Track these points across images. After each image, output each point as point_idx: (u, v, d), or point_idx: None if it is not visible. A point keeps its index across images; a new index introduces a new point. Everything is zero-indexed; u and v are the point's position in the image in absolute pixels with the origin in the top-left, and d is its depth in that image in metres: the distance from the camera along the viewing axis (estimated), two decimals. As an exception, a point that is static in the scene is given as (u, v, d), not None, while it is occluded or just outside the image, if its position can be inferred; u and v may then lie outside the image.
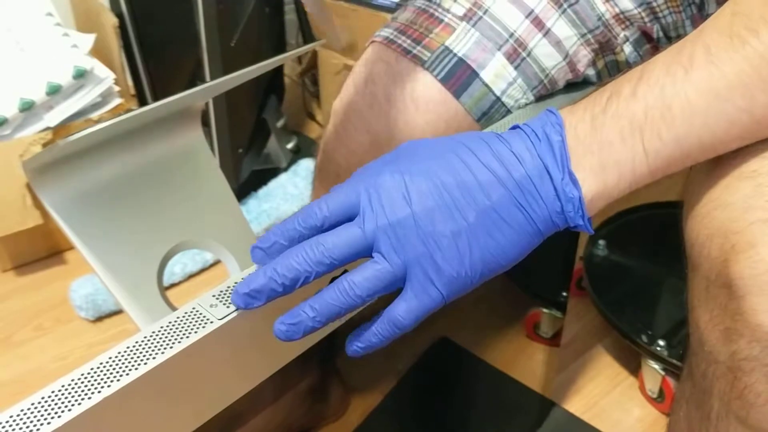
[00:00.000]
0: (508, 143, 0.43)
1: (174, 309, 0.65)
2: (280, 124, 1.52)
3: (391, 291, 0.42)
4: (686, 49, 0.43)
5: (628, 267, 1.12)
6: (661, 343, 0.94)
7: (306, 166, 1.48)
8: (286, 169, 1.49)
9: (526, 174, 0.42)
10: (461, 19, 0.64)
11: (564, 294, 0.90)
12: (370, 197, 0.41)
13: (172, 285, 1.23)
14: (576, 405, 1.01)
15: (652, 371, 0.97)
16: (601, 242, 1.14)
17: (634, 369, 1.04)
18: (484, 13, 0.64)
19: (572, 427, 0.98)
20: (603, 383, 1.04)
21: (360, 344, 0.43)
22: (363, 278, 0.41)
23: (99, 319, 1.18)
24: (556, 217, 0.43)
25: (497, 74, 0.63)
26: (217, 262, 1.26)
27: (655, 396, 0.98)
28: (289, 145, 1.53)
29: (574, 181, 0.42)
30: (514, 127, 0.45)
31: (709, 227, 0.45)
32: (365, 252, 0.41)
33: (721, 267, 0.43)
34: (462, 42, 0.63)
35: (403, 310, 0.41)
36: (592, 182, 0.43)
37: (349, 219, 0.42)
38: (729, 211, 0.43)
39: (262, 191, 1.42)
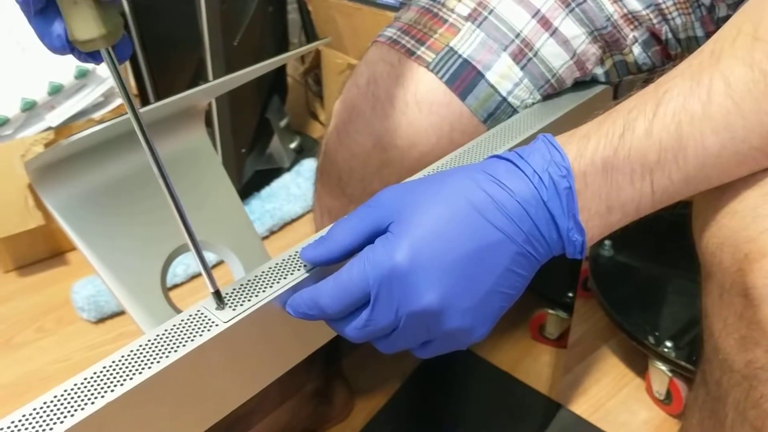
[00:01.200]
0: (510, 191, 0.42)
1: (177, 311, 0.64)
2: (283, 124, 1.51)
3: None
4: (704, 78, 0.41)
5: (634, 267, 1.12)
6: (669, 344, 0.94)
7: (309, 166, 1.47)
8: (289, 170, 1.49)
9: (534, 225, 0.42)
10: (466, 19, 0.63)
11: (570, 295, 0.90)
12: (381, 289, 0.40)
13: (175, 286, 1.23)
14: (582, 407, 1.01)
15: (660, 373, 0.96)
16: (607, 242, 1.13)
17: (641, 370, 1.04)
18: (489, 13, 0.63)
19: (578, 429, 0.98)
20: (609, 385, 1.04)
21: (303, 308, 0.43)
22: (384, 345, 0.44)
23: (101, 320, 1.18)
24: (556, 253, 0.44)
25: (503, 75, 0.62)
26: (220, 263, 1.25)
27: (662, 398, 0.97)
28: (293, 145, 1.53)
29: (580, 229, 0.42)
30: (510, 160, 0.43)
31: (718, 235, 0.45)
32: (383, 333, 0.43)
33: (735, 276, 0.43)
34: (467, 43, 0.63)
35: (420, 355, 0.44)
36: (596, 223, 0.43)
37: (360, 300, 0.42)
38: (738, 219, 0.43)
39: (265, 191, 1.42)
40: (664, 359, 0.94)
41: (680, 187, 0.42)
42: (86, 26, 0.36)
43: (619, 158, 0.42)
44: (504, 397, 0.97)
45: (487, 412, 0.95)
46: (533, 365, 0.99)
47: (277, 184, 1.43)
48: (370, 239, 0.42)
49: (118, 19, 0.38)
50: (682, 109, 0.41)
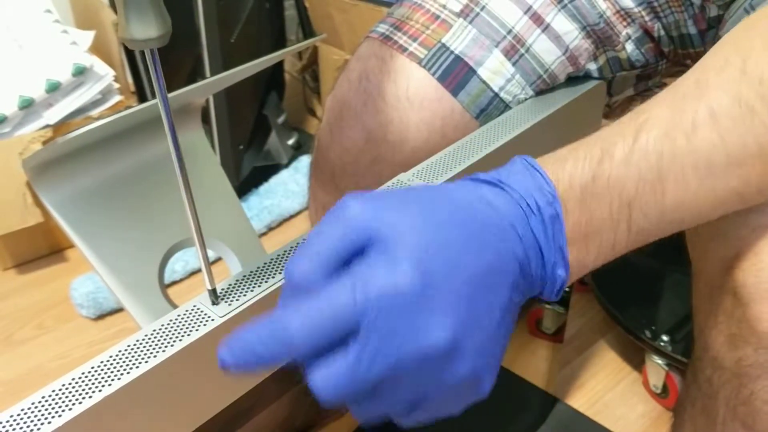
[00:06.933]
0: (501, 213, 0.37)
1: (174, 307, 0.64)
2: (280, 120, 1.51)
3: None
4: (688, 108, 0.38)
5: (631, 262, 1.12)
6: (665, 338, 0.94)
7: (307, 162, 1.47)
8: (287, 166, 1.49)
9: (525, 252, 0.36)
10: (458, 15, 0.64)
11: (567, 289, 0.90)
12: (377, 317, 0.31)
13: (174, 282, 1.23)
14: (579, 401, 1.01)
15: (656, 367, 0.96)
16: (604, 237, 1.13)
17: (638, 364, 1.04)
18: (482, 9, 0.63)
19: (575, 423, 0.98)
20: (606, 379, 1.04)
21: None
22: (364, 408, 0.34)
23: (100, 317, 1.18)
24: (536, 291, 0.39)
25: (495, 71, 0.63)
26: (218, 260, 1.26)
27: (658, 391, 0.98)
28: (290, 142, 1.53)
29: (565, 264, 0.38)
30: (491, 183, 0.39)
31: (709, 232, 0.44)
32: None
33: (724, 273, 0.43)
34: (459, 39, 0.63)
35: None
36: (574, 258, 0.39)
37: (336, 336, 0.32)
38: (731, 215, 0.42)
39: (263, 188, 1.42)
40: (661, 353, 0.95)
41: (654, 227, 0.39)
42: (146, 25, 0.35)
43: (598, 185, 0.38)
44: (501, 391, 0.98)
45: (484, 407, 0.95)
46: (530, 360, 1.00)
47: (275, 181, 1.44)
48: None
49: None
50: (664, 136, 0.38)
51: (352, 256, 0.34)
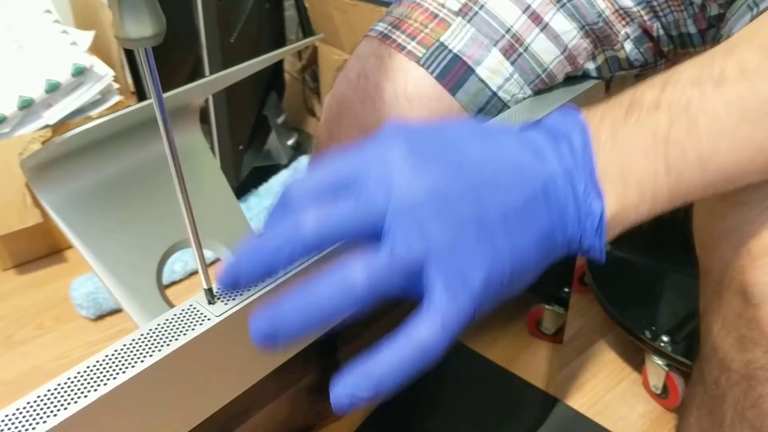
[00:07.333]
0: (522, 135, 0.38)
1: (172, 307, 0.64)
2: (280, 120, 1.52)
3: (399, 295, 0.34)
4: (716, 63, 0.38)
5: (631, 262, 1.12)
6: (665, 338, 0.94)
7: (307, 162, 1.48)
8: (287, 166, 1.49)
9: (550, 173, 0.36)
10: (456, 14, 0.63)
11: (566, 290, 0.90)
12: (374, 169, 0.34)
13: (173, 283, 1.23)
14: (579, 401, 1.01)
15: (656, 367, 0.96)
16: (604, 237, 1.13)
17: (638, 365, 1.04)
18: (480, 8, 0.63)
19: (575, 424, 0.98)
20: (606, 379, 1.04)
21: (366, 389, 0.34)
22: (368, 273, 0.33)
23: (100, 317, 1.18)
24: (572, 231, 0.37)
25: (493, 70, 0.63)
26: (217, 260, 1.26)
27: (659, 392, 0.98)
28: (290, 142, 1.53)
29: (597, 192, 0.37)
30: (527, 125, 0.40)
31: (722, 228, 0.44)
32: (365, 234, 0.34)
33: (734, 272, 0.42)
34: (457, 38, 0.63)
35: (432, 329, 0.33)
36: (613, 197, 0.37)
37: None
38: (745, 211, 0.42)
39: (263, 188, 1.42)
40: (661, 353, 0.95)
41: (695, 174, 0.37)
42: (140, 24, 0.35)
43: (629, 124, 0.38)
44: (501, 392, 0.98)
45: (485, 407, 0.95)
46: (530, 360, 0.99)
47: (274, 181, 1.44)
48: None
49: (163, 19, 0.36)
50: (692, 85, 0.38)
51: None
